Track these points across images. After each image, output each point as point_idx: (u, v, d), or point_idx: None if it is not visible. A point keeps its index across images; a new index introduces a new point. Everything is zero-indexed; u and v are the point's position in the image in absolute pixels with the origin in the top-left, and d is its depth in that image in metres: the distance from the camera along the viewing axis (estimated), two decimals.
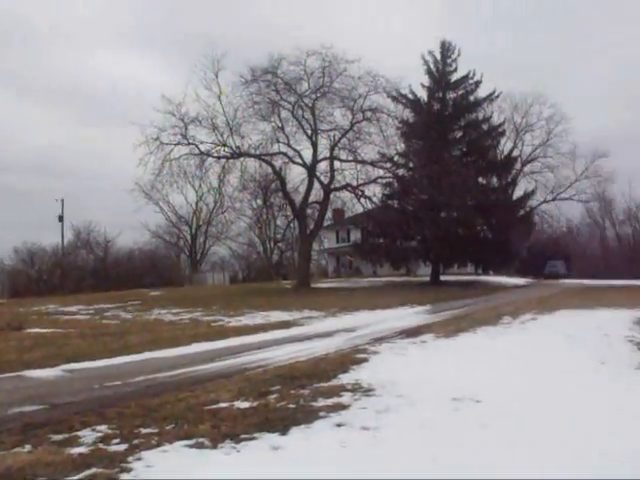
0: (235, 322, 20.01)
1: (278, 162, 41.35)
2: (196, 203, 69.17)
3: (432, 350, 12.42)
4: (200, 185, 48.70)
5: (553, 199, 65.80)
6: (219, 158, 39.38)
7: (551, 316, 19.38)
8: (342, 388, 8.45)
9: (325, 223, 49.60)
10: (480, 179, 44.78)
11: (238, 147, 38.93)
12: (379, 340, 14.23)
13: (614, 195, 74.70)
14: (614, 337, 13.83)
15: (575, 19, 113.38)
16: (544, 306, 22.79)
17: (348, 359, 11.15)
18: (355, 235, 51.72)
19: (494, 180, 46.72)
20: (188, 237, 74.11)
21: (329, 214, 51.31)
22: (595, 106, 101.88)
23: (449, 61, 45.45)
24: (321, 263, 71.83)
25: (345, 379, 9.15)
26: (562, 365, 10.34)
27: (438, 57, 45.47)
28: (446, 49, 45.47)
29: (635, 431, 6.31)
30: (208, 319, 21.19)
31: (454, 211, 41.22)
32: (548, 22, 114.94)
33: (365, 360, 11.01)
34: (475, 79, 45.01)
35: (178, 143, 37.75)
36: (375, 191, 42.09)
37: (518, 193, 52.11)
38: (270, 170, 41.71)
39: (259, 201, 57.41)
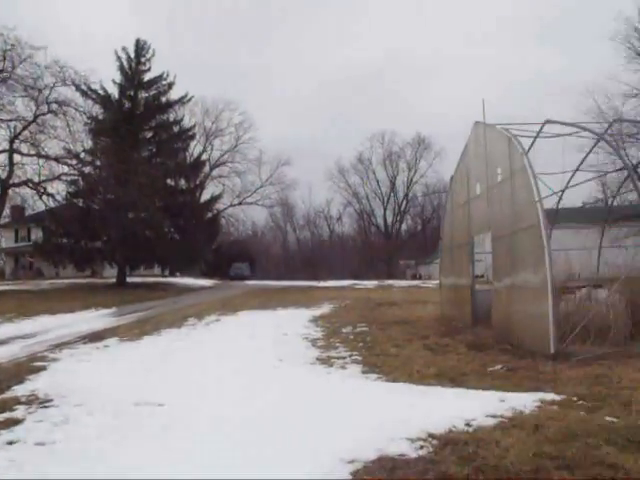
0: None
1: None
2: None
3: (116, 355, 12.28)
4: None
5: (239, 203, 69.20)
6: None
7: (235, 316, 20.31)
8: (16, 401, 7.97)
9: (2, 221, 46.08)
10: (169, 181, 45.09)
11: None
12: (60, 346, 13.68)
13: (295, 201, 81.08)
14: (292, 335, 14.97)
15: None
16: (228, 307, 23.74)
17: (24, 368, 10.56)
18: (36, 234, 48.45)
19: (182, 182, 47.25)
20: None
21: (7, 211, 47.57)
22: (281, 116, 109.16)
23: (143, 60, 44.93)
24: None
25: (20, 391, 8.65)
26: (244, 364, 10.94)
27: (132, 55, 44.75)
28: (141, 47, 44.90)
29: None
30: None
31: (141, 212, 40.78)
32: (249, 28, 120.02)
33: (43, 368, 10.54)
34: (168, 80, 45.10)
35: None
36: (59, 188, 39.90)
37: (206, 196, 53.88)
38: None
39: None
